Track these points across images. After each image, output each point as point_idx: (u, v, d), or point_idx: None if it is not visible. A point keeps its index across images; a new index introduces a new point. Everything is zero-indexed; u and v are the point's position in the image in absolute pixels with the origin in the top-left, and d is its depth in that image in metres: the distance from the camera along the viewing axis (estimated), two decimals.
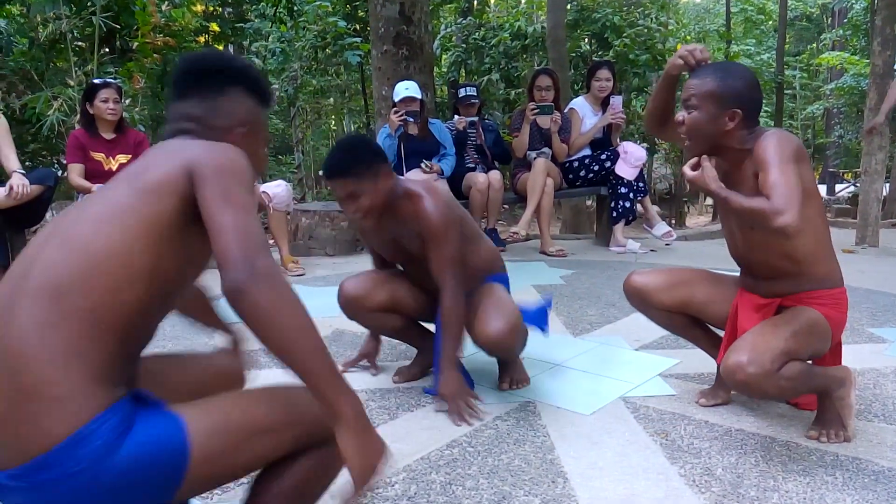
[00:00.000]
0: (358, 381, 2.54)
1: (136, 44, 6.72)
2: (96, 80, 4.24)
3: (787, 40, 18.79)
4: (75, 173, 4.08)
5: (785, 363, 1.78)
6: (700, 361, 2.61)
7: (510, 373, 2.48)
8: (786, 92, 17.59)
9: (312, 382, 1.11)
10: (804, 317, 1.94)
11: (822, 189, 19.36)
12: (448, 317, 2.24)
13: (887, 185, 8.84)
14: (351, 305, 2.46)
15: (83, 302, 1.06)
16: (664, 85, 2.14)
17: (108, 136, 4.19)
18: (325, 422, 1.13)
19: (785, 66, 15.74)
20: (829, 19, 21.55)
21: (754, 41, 21.14)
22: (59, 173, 4.16)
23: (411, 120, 4.88)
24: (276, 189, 4.49)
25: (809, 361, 1.95)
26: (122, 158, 4.19)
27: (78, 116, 4.44)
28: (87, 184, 4.00)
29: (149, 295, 1.13)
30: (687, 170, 1.95)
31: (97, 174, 4.10)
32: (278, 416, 1.18)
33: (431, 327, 2.53)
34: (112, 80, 4.31)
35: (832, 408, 1.98)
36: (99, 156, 4.15)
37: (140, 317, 1.13)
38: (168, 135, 1.34)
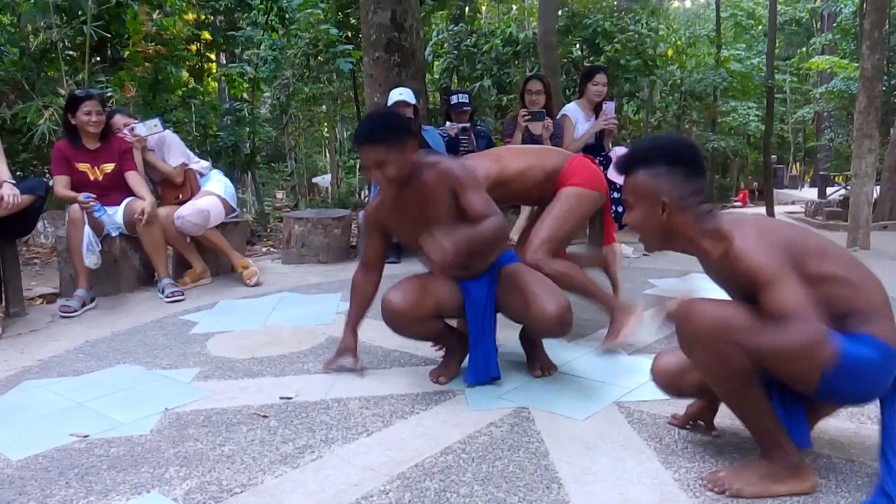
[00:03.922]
0: (351, 388, 2.54)
1: (127, 53, 6.70)
2: (77, 92, 4.16)
3: (777, 45, 18.89)
4: (61, 185, 4.04)
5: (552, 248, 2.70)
6: None
7: (539, 360, 2.64)
8: (776, 96, 17.67)
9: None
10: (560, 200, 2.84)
11: (814, 192, 19.46)
12: (491, 224, 2.28)
13: (878, 187, 8.88)
14: (403, 318, 2.44)
15: None
16: None
17: (92, 145, 4.12)
18: None
19: (775, 70, 15.81)
20: (819, 23, 21.69)
21: (744, 46, 21.25)
22: (50, 183, 4.12)
23: None
24: (188, 210, 4.29)
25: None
26: (107, 167, 4.14)
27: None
28: (73, 194, 3.96)
29: None
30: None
31: (83, 185, 4.05)
32: None
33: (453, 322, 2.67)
34: (94, 91, 4.21)
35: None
36: (84, 166, 4.10)
37: None
38: None
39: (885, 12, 6.08)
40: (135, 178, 4.19)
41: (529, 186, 3.06)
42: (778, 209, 15.14)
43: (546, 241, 2.90)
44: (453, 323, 2.69)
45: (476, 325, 2.50)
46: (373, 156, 2.29)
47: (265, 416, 2.31)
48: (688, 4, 25.77)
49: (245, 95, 9.14)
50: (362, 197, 11.72)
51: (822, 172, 20.29)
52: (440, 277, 2.49)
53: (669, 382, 2.01)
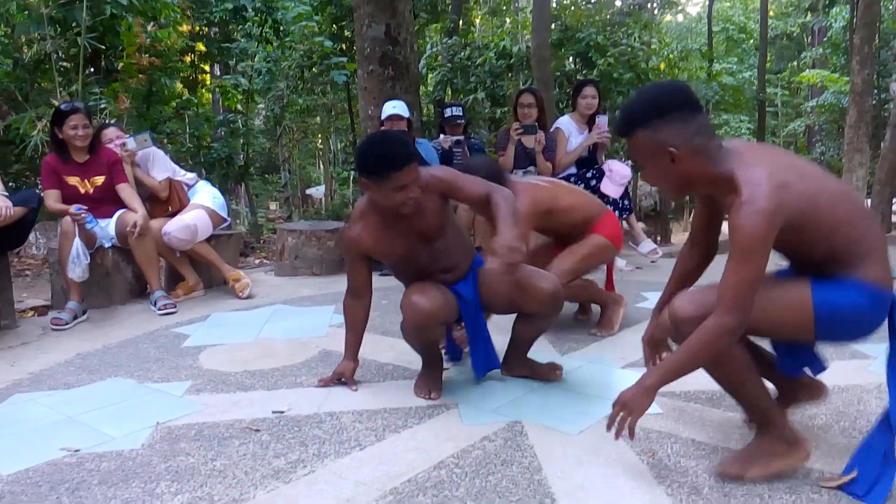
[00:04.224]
0: (344, 401, 2.54)
1: (121, 64, 6.71)
2: (63, 106, 4.08)
3: (769, 58, 19.05)
4: (52, 199, 4.00)
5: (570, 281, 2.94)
6: (686, 378, 2.62)
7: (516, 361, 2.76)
8: (768, 109, 17.80)
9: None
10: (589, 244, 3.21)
11: None
12: (502, 199, 2.38)
13: (868, 200, 8.94)
14: (433, 319, 2.43)
15: None
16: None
17: (81, 158, 4.08)
18: None
19: (766, 84, 15.94)
20: (810, 38, 21.88)
21: (736, 59, 21.43)
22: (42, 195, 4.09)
23: None
24: (174, 226, 4.26)
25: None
26: (97, 180, 4.10)
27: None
28: (64, 207, 3.92)
29: None
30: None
31: (74, 198, 4.01)
32: None
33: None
34: (79, 105, 4.14)
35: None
36: (74, 180, 4.06)
37: None
38: None
39: (874, 28, 6.16)
40: (127, 191, 4.17)
41: (567, 223, 3.33)
42: None
43: (568, 273, 3.22)
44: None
45: (471, 325, 2.59)
46: (413, 175, 2.32)
47: (257, 430, 2.30)
48: (680, 19, 25.97)
49: (239, 107, 9.15)
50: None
51: None
52: (435, 284, 2.51)
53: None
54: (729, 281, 1.71)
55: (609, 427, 1.86)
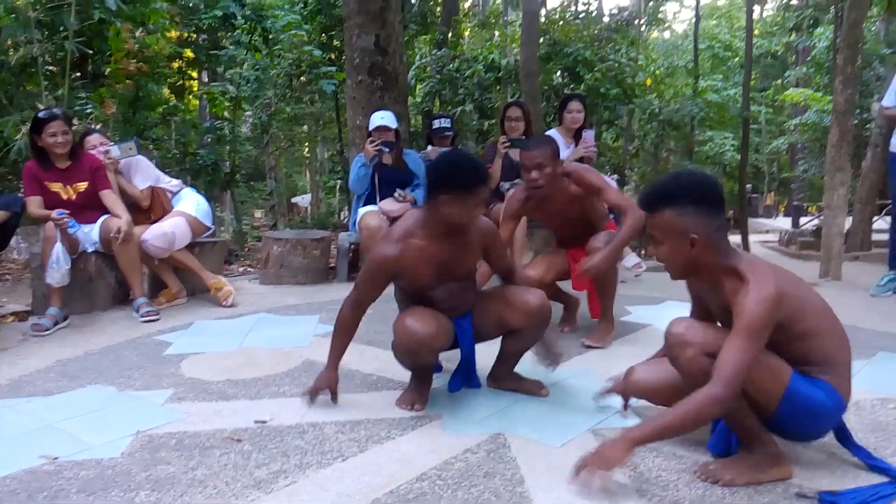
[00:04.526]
0: (327, 412, 2.53)
1: (108, 69, 6.68)
2: (41, 114, 3.99)
3: (753, 77, 19.27)
4: (34, 205, 3.95)
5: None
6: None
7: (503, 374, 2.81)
8: (752, 126, 17.99)
9: None
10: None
11: (788, 222, 19.75)
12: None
13: (850, 219, 9.05)
14: (426, 347, 2.43)
15: None
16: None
17: (63, 164, 4.02)
18: None
19: (751, 102, 16.10)
20: (794, 57, 22.19)
21: (721, 77, 21.67)
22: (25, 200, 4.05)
23: (386, 150, 4.92)
24: (151, 233, 4.23)
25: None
26: (80, 186, 4.05)
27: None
28: (47, 212, 3.87)
29: None
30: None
31: (57, 205, 3.95)
32: None
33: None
34: (58, 111, 4.05)
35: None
36: (56, 186, 4.01)
37: None
38: None
39: (857, 48, 6.24)
40: (110, 197, 4.13)
41: (601, 212, 3.57)
42: (752, 238, 15.36)
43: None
44: None
45: (466, 352, 2.66)
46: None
47: (239, 440, 2.28)
48: (666, 36, 26.26)
49: (226, 114, 9.13)
50: (341, 217, 11.72)
51: (795, 203, 20.63)
52: (438, 314, 2.50)
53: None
54: (730, 357, 1.81)
55: (577, 472, 1.86)
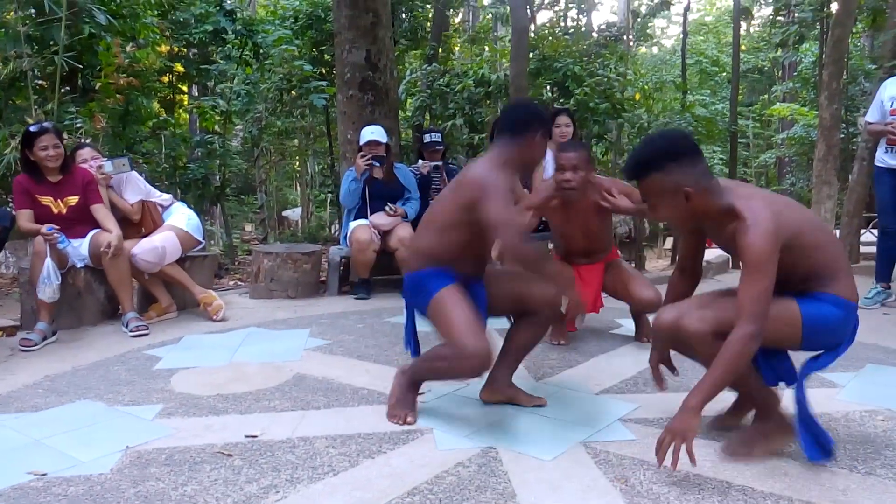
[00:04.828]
0: (317, 426, 2.52)
1: (98, 84, 6.66)
2: (31, 127, 3.97)
3: (741, 91, 19.45)
4: (24, 219, 3.92)
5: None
6: (659, 406, 2.65)
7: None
8: (740, 140, 18.14)
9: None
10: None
11: None
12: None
13: (837, 231, 9.11)
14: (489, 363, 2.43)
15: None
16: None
17: (54, 178, 4.01)
18: None
19: (738, 116, 16.23)
20: (780, 72, 22.41)
21: (709, 92, 21.86)
22: (14, 213, 4.03)
23: (377, 164, 4.95)
24: (141, 248, 4.21)
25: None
26: (71, 200, 4.03)
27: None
28: (37, 227, 3.84)
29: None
30: None
31: (47, 219, 3.93)
32: None
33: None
34: (48, 125, 4.02)
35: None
36: (47, 200, 3.99)
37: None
38: None
39: (842, 64, 6.34)
40: (102, 212, 4.12)
41: (610, 232, 3.81)
42: None
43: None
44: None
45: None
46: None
47: (229, 455, 2.27)
48: (655, 51, 26.51)
49: (217, 128, 9.12)
50: (332, 231, 11.70)
51: None
52: (468, 300, 2.48)
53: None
54: (747, 293, 1.97)
55: (661, 458, 1.98)
